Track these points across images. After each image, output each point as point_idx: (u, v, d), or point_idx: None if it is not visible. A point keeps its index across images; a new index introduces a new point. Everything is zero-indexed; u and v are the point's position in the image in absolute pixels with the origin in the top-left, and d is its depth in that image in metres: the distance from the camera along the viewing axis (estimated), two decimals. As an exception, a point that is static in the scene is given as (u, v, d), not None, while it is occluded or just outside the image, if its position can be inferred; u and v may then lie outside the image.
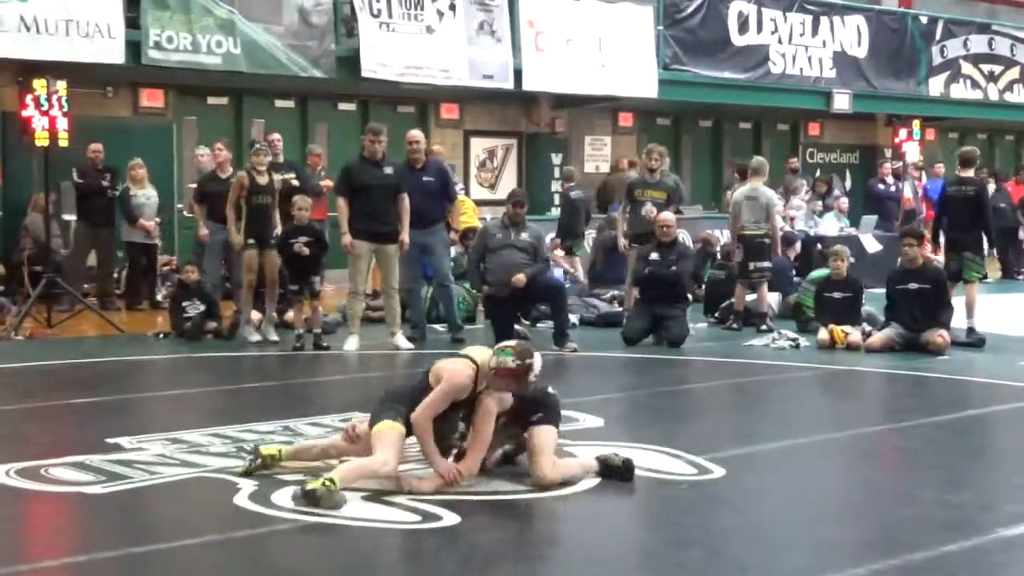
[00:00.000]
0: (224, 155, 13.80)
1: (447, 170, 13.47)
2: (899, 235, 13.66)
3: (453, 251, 15.03)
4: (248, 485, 6.33)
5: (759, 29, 20.94)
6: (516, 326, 12.67)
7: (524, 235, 12.34)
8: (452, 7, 17.81)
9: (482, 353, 6.56)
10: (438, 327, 13.11)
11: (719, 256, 15.98)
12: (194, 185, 15.21)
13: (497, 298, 12.35)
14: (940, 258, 13.86)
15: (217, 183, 13.41)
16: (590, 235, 17.81)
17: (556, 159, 21.38)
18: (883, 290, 12.78)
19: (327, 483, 5.88)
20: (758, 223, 13.74)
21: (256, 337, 12.33)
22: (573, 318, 13.52)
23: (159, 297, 15.67)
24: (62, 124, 13.45)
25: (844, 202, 20.76)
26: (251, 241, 12.40)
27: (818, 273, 13.94)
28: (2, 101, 16.55)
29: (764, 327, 13.31)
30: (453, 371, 6.40)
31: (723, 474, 6.76)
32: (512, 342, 6.81)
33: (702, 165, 23.63)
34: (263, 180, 12.43)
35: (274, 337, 12.39)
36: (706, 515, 6.05)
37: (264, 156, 12.61)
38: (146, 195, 15.59)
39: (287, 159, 15.45)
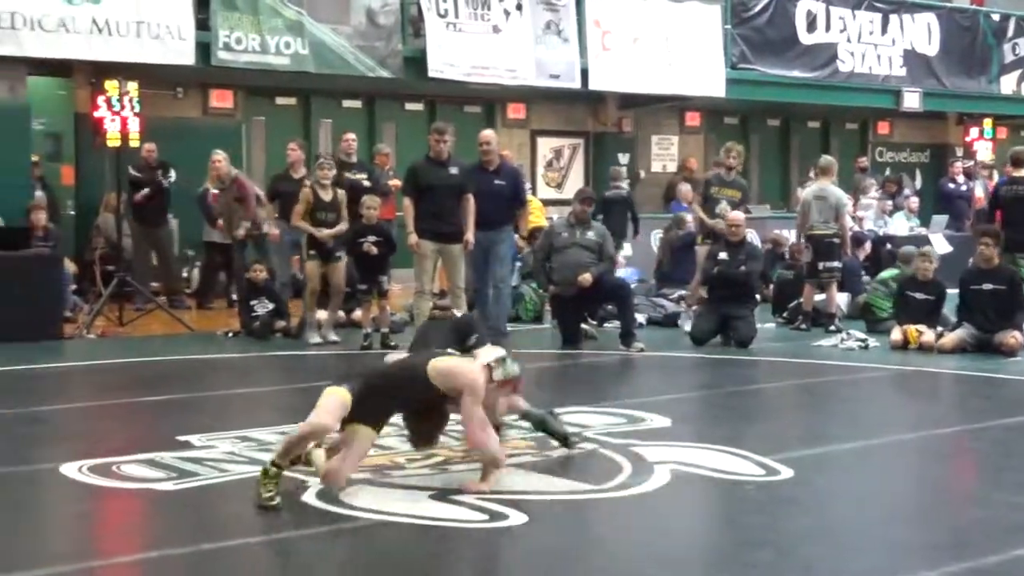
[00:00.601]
0: (297, 155, 13.84)
1: (519, 174, 13.41)
2: (976, 234, 13.50)
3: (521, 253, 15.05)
4: (317, 483, 6.34)
5: (827, 27, 20.77)
6: (583, 325, 12.66)
7: (590, 234, 12.31)
8: (519, 7, 17.80)
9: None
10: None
11: (787, 256, 15.86)
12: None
13: (563, 298, 12.34)
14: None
15: (289, 182, 13.45)
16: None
17: (623, 159, 21.30)
18: (953, 290, 12.64)
19: (268, 468, 6.01)
20: (827, 223, 13.63)
21: (316, 339, 12.38)
22: (640, 318, 13.47)
23: (234, 296, 15.77)
24: (133, 125, 13.59)
25: (914, 202, 20.60)
26: (312, 252, 12.43)
27: (888, 273, 13.83)
28: (75, 102, 16.77)
29: (833, 327, 13.21)
30: (475, 379, 6.30)
31: (791, 475, 6.70)
32: (501, 352, 6.65)
33: (770, 165, 23.47)
34: (327, 196, 12.42)
35: (334, 338, 12.42)
36: (774, 516, 6.00)
37: (329, 170, 12.59)
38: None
39: (359, 159, 15.51)
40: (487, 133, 13.01)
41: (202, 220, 16.01)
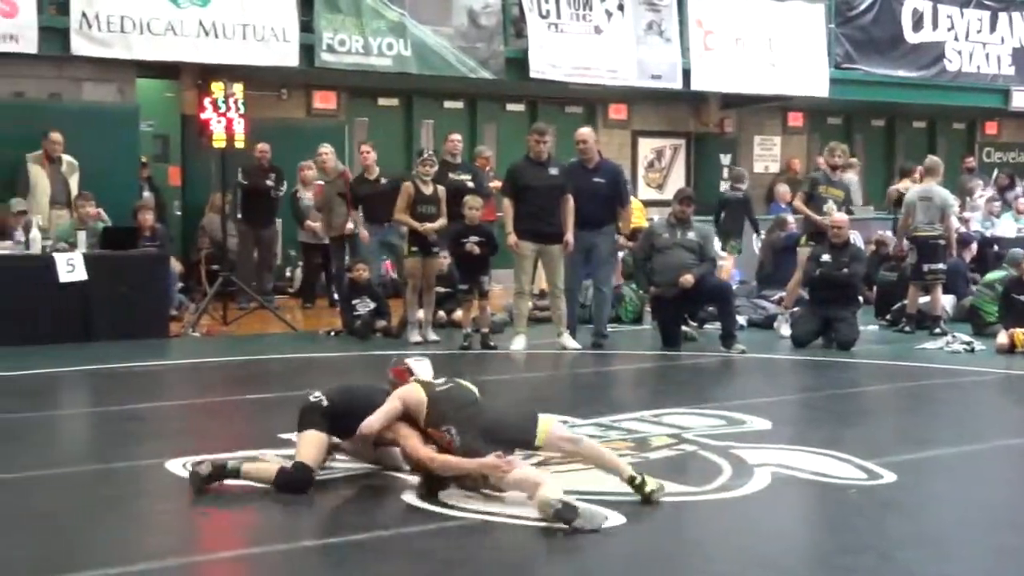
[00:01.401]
0: (371, 156, 13.88)
1: (620, 173, 13.26)
2: None
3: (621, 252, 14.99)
4: (414, 483, 6.35)
5: (934, 26, 20.49)
6: (683, 327, 12.59)
7: (691, 234, 12.22)
8: (620, 7, 17.76)
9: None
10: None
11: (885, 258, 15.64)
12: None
13: (664, 299, 12.27)
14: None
15: (367, 185, 13.54)
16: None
17: (724, 159, 21.22)
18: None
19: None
20: (932, 224, 13.43)
21: (417, 338, 12.42)
22: (741, 319, 13.37)
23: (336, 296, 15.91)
24: (238, 126, 13.74)
25: (1023, 203, 20.22)
26: (414, 249, 12.46)
27: (994, 275, 13.60)
28: (182, 104, 17.02)
29: (938, 330, 13.02)
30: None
31: (894, 479, 6.60)
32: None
33: (874, 165, 23.16)
34: (428, 190, 12.44)
35: (434, 337, 12.46)
36: (876, 521, 5.91)
37: (431, 167, 12.61)
38: (311, 196, 15.79)
39: (463, 160, 15.53)
40: (583, 131, 12.92)
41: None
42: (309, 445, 6.40)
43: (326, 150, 14.96)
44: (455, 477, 6.22)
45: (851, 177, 18.52)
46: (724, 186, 20.76)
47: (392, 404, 6.32)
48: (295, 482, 6.23)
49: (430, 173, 12.54)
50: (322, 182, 15.21)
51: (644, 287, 13.27)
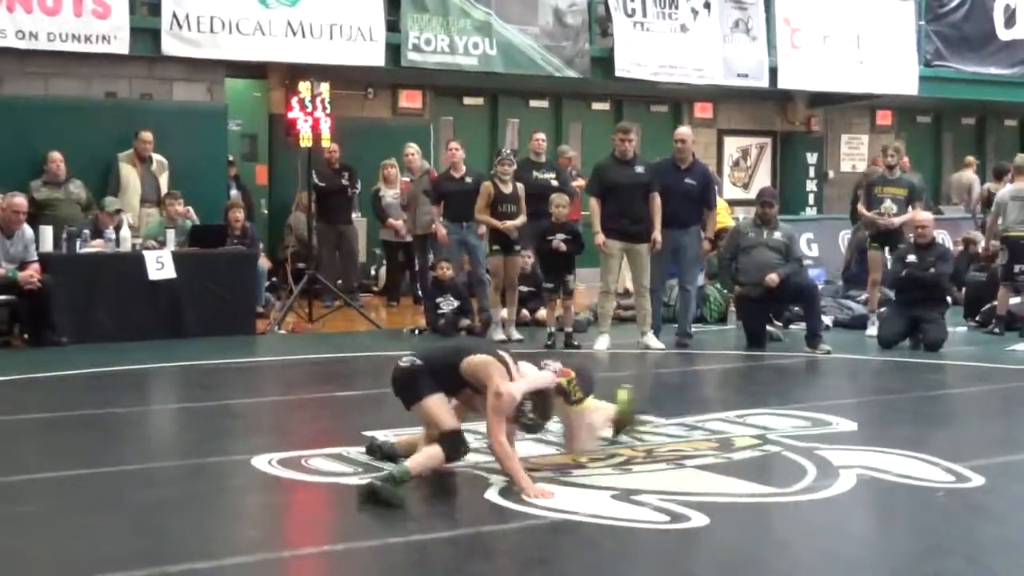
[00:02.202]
0: (459, 154, 13.93)
1: (711, 176, 13.21)
2: None
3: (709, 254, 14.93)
4: (499, 481, 6.39)
5: (1028, 22, 20.22)
6: (768, 327, 12.52)
7: (777, 234, 12.16)
8: (707, 5, 17.69)
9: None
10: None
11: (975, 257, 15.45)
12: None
13: (749, 298, 12.23)
14: None
15: (452, 182, 13.58)
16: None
17: (811, 158, 21.09)
18: None
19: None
20: (1023, 223, 13.26)
21: (500, 336, 12.46)
22: (826, 319, 13.28)
23: (420, 294, 16.00)
24: (325, 125, 13.83)
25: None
26: (495, 247, 12.53)
27: None
28: (270, 104, 17.20)
29: (1029, 332, 12.87)
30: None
31: (982, 483, 6.52)
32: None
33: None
34: (507, 189, 12.51)
35: (517, 336, 12.49)
36: (964, 524, 5.85)
37: (509, 166, 12.68)
38: (394, 194, 15.86)
39: (548, 159, 15.56)
40: (683, 130, 12.89)
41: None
42: (442, 410, 6.54)
43: (412, 150, 15.08)
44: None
45: (971, 175, 18.21)
46: (811, 185, 20.71)
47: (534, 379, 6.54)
48: (459, 446, 6.47)
49: (509, 172, 12.61)
50: (408, 179, 15.31)
51: (729, 287, 13.22)
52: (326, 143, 14.29)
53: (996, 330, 13.32)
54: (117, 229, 12.79)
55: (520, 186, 12.73)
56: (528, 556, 5.43)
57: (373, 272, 17.36)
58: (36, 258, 12.10)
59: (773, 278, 11.91)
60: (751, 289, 12.14)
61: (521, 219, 12.47)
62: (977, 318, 14.04)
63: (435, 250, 14.17)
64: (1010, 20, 20.09)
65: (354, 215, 16.38)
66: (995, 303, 13.60)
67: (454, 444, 6.45)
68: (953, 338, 12.45)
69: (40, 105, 13.91)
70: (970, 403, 9.92)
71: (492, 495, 6.17)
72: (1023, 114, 23.11)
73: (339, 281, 15.24)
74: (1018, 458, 7.33)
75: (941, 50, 19.60)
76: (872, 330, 12.96)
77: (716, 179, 13.89)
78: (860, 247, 15.88)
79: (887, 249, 13.03)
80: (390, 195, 15.89)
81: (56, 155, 13.39)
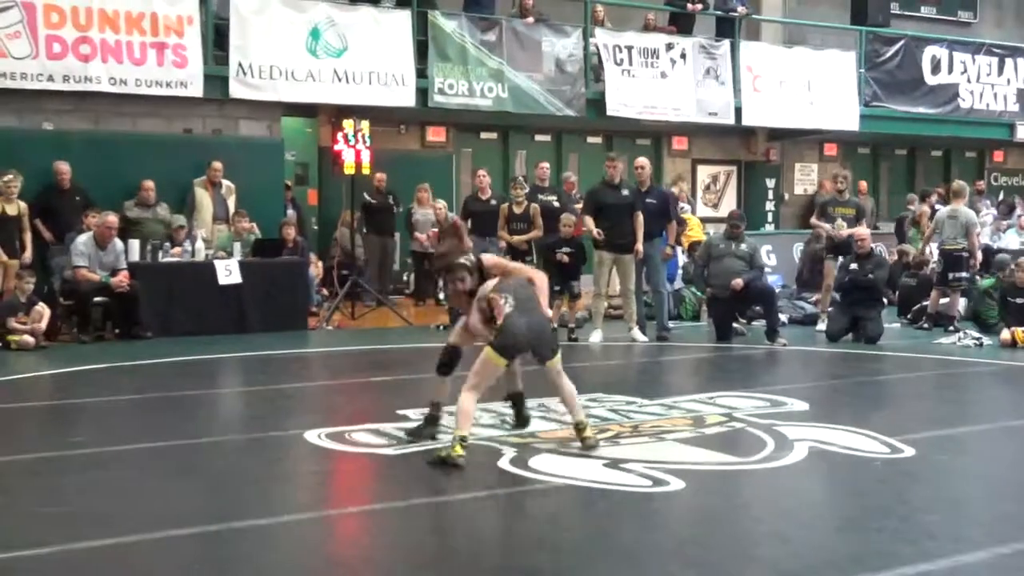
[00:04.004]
0: (486, 180, 14.01)
1: (669, 196, 13.29)
2: None
3: (681, 259, 14.92)
4: (510, 452, 6.38)
5: (950, 70, 20.14)
6: (734, 324, 12.50)
7: (743, 246, 12.23)
8: (683, 56, 17.66)
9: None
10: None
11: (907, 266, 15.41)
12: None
13: (718, 299, 12.25)
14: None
15: (479, 203, 13.68)
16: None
17: (770, 183, 21.07)
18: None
19: (456, 446, 6.00)
20: (956, 239, 13.24)
21: None
22: (783, 317, 13.27)
23: (440, 296, 16.00)
24: (365, 156, 13.90)
25: (1025, 220, 19.87)
26: (509, 257, 12.55)
27: (987, 282, 13.39)
28: (319, 137, 17.20)
29: (951, 328, 12.82)
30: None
31: (913, 453, 6.50)
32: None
33: (898, 189, 22.78)
34: (519, 210, 12.70)
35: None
36: (899, 488, 5.82)
37: (520, 189, 12.81)
38: (424, 213, 15.87)
39: (551, 184, 15.64)
40: (642, 159, 12.96)
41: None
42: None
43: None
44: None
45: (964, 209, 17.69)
46: (769, 205, 20.70)
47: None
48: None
49: (520, 194, 12.74)
50: (436, 230, 15.31)
51: (701, 289, 13.22)
52: (367, 171, 14.30)
53: (925, 326, 13.28)
54: (192, 242, 12.82)
55: (534, 206, 12.83)
56: (534, 515, 5.42)
57: (405, 278, 17.36)
58: (125, 266, 12.14)
59: (738, 283, 11.94)
60: (720, 291, 12.15)
61: (534, 234, 12.61)
62: (908, 316, 14.00)
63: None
64: (936, 68, 20.04)
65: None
66: (924, 303, 13.57)
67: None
68: (889, 333, 12.41)
69: (129, 139, 13.91)
70: (903, 387, 9.87)
71: (504, 463, 6.16)
72: (947, 146, 23.03)
73: (376, 285, 15.26)
74: (943, 432, 7.29)
75: (878, 93, 19.55)
76: (821, 326, 12.94)
77: (674, 199, 13.88)
78: (811, 257, 15.87)
79: (840, 259, 13.01)
80: (420, 213, 15.90)
81: (148, 183, 13.40)
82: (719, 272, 12.16)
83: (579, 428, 6.49)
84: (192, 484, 5.86)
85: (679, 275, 14.81)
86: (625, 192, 12.19)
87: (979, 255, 13.70)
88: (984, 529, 5.10)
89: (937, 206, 16.18)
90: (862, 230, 12.76)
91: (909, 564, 4.51)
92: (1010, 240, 18.55)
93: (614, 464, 6.09)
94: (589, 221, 12.13)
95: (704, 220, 18.12)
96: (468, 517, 5.36)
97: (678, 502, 5.57)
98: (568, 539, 4.96)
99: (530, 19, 16.69)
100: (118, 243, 12.19)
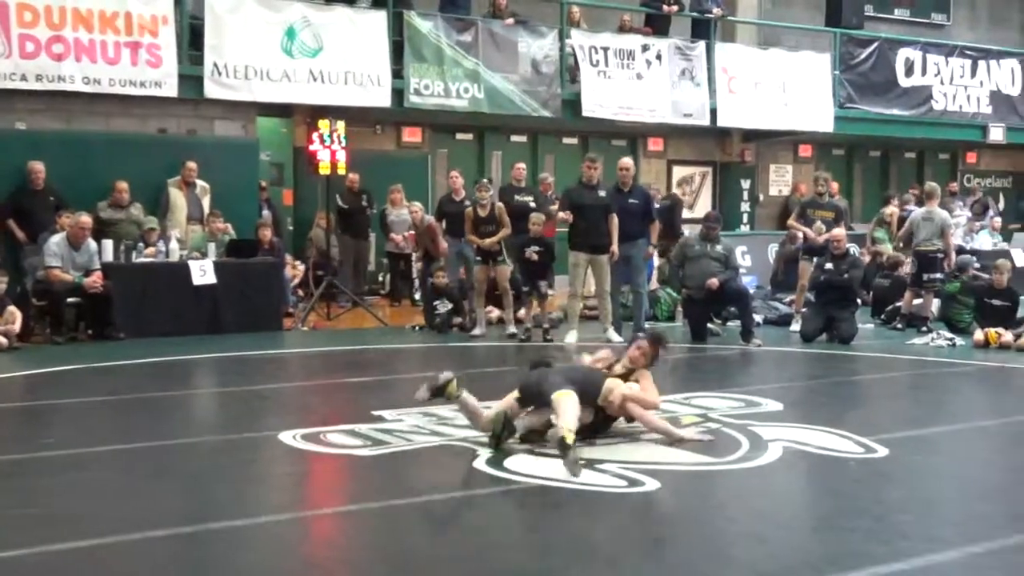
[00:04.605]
0: (459, 181, 14.02)
1: (650, 196, 13.38)
2: None
3: (656, 260, 14.97)
4: (485, 452, 6.39)
5: (923, 72, 20.27)
6: (709, 324, 12.55)
7: (718, 247, 12.27)
8: (658, 57, 17.71)
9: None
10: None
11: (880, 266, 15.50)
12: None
13: (694, 300, 12.29)
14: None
15: (452, 204, 13.68)
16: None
17: (745, 184, 21.14)
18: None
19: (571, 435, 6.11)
20: (931, 240, 13.32)
21: (477, 332, 12.60)
22: (758, 318, 13.32)
23: (417, 298, 16.02)
24: (340, 156, 13.87)
25: (998, 221, 20.08)
26: (479, 259, 12.62)
27: (952, 287, 13.43)
28: (294, 138, 17.16)
29: (925, 328, 12.90)
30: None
31: (887, 453, 6.54)
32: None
33: (871, 190, 22.92)
34: (484, 213, 12.63)
35: (512, 330, 12.51)
36: (872, 488, 5.86)
37: (486, 192, 12.79)
38: (398, 214, 15.84)
39: (527, 184, 15.67)
40: (626, 160, 12.98)
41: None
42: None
43: (417, 207, 14.95)
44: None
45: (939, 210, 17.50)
46: (744, 206, 20.78)
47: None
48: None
49: (485, 197, 12.73)
50: (413, 232, 15.29)
51: (677, 290, 13.26)
52: (342, 171, 14.29)
53: (898, 326, 13.36)
54: (167, 242, 12.78)
55: (500, 206, 12.82)
56: (510, 515, 5.43)
57: (380, 278, 17.34)
58: (99, 267, 12.08)
59: (713, 283, 11.99)
60: (695, 292, 12.19)
61: (503, 233, 12.54)
62: (882, 316, 14.08)
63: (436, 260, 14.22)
64: (909, 70, 20.16)
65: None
66: (898, 304, 13.64)
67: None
68: (862, 333, 12.47)
69: (103, 139, 13.84)
70: (877, 387, 9.94)
71: (480, 464, 6.17)
72: (920, 148, 23.17)
73: (351, 286, 15.22)
74: (917, 433, 7.35)
75: (852, 95, 19.64)
76: (795, 326, 13.00)
77: (654, 199, 13.93)
78: (786, 258, 15.94)
79: (815, 259, 13.06)
80: (394, 214, 15.88)
81: (122, 184, 13.34)
82: (694, 273, 12.21)
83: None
84: (167, 485, 5.84)
85: (654, 275, 14.87)
86: (602, 193, 12.22)
87: (953, 256, 13.79)
88: (957, 529, 5.14)
89: (911, 207, 16.28)
90: (838, 231, 12.81)
91: (883, 564, 4.54)
92: (983, 241, 18.72)
93: (589, 464, 6.10)
94: (564, 213, 12.15)
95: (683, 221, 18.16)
96: (444, 518, 5.36)
97: (653, 502, 5.58)
98: (543, 540, 4.97)
99: (510, 20, 16.69)
100: (91, 243, 12.13)
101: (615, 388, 6.71)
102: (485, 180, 13.42)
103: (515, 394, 6.73)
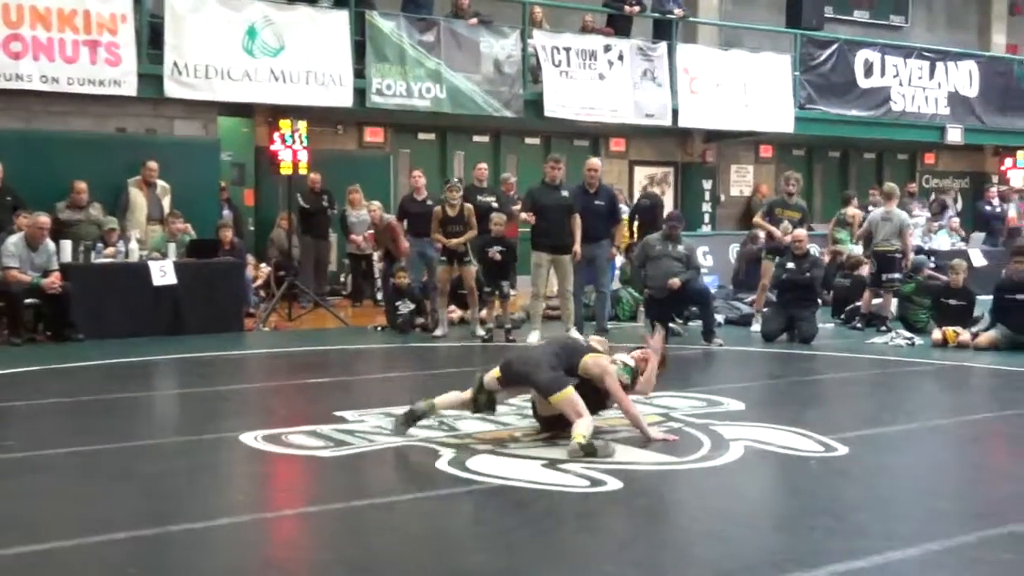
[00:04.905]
0: (421, 180, 13.92)
1: (615, 195, 13.40)
2: (1011, 252, 13.18)
3: (619, 261, 15.01)
4: (448, 453, 6.39)
5: (882, 73, 20.42)
6: (671, 324, 12.58)
7: (680, 247, 12.31)
8: (620, 57, 17.74)
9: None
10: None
11: (841, 266, 15.61)
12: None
13: (656, 299, 12.33)
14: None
15: (415, 204, 13.60)
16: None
17: (707, 185, 21.23)
18: (988, 297, 12.39)
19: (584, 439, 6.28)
20: (889, 240, 13.44)
21: (439, 332, 12.56)
22: (719, 318, 13.39)
23: (379, 297, 15.99)
24: (302, 156, 13.84)
25: (956, 221, 20.26)
26: (443, 259, 12.59)
27: (908, 288, 13.56)
28: (256, 138, 17.07)
29: (884, 328, 13.01)
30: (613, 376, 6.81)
31: (847, 452, 6.60)
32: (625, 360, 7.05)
33: (831, 190, 23.05)
34: (453, 212, 12.54)
35: (480, 332, 12.50)
36: (832, 487, 5.91)
37: (456, 192, 12.72)
38: (358, 215, 15.75)
39: (489, 185, 15.66)
40: (595, 161, 13.02)
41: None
42: None
43: (375, 206, 14.60)
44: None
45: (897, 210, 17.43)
46: (706, 207, 20.87)
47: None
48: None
49: (456, 198, 12.64)
50: (372, 232, 15.13)
51: (639, 290, 13.30)
52: (304, 171, 14.24)
53: (858, 326, 13.46)
54: (126, 243, 12.68)
55: (469, 206, 12.77)
56: (472, 516, 5.43)
57: (342, 279, 17.29)
58: (57, 267, 11.96)
59: (675, 283, 12.04)
60: (657, 292, 12.23)
61: (469, 234, 12.50)
62: (842, 316, 14.18)
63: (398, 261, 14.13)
64: (868, 72, 20.30)
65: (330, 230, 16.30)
66: (858, 304, 13.74)
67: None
68: (823, 333, 12.56)
69: (61, 139, 13.72)
70: (837, 386, 10.01)
71: (442, 464, 6.17)
72: (879, 148, 23.35)
73: (312, 286, 15.17)
74: (876, 431, 7.41)
75: (812, 95, 19.76)
76: (756, 326, 13.07)
77: (619, 200, 13.95)
78: (748, 258, 16.03)
79: (777, 259, 13.13)
80: (355, 215, 15.80)
81: (81, 185, 13.22)
82: (656, 273, 12.25)
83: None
84: (127, 488, 5.80)
85: (617, 276, 14.91)
86: (564, 193, 12.24)
87: (911, 255, 13.91)
88: (915, 526, 5.19)
89: (871, 208, 16.39)
90: (800, 231, 12.90)
91: (842, 561, 4.58)
92: (941, 241, 18.88)
93: (552, 464, 6.12)
94: (526, 214, 12.16)
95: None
96: (406, 519, 5.35)
97: (616, 502, 5.59)
98: (506, 540, 4.97)
99: (474, 20, 16.67)
100: (50, 244, 12.01)
101: (599, 360, 6.82)
102: (456, 180, 13.39)
103: (496, 372, 6.78)
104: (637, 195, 19.18)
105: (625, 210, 16.74)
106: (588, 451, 6.18)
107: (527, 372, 6.66)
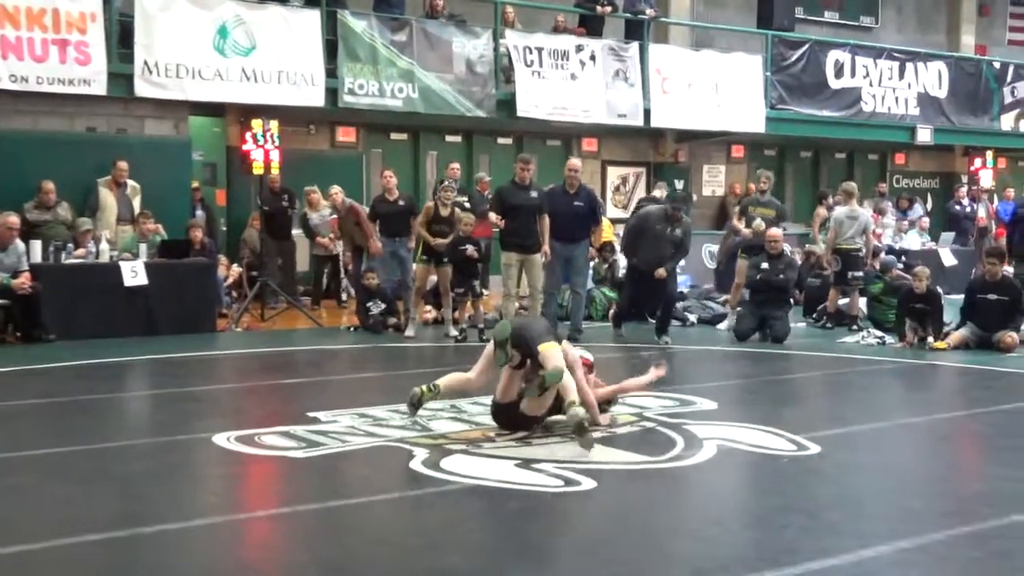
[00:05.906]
0: (392, 180, 13.87)
1: (596, 198, 13.40)
2: (984, 253, 13.29)
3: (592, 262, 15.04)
4: (421, 453, 6.39)
5: (853, 74, 20.55)
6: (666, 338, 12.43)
7: (678, 231, 12.11)
8: (592, 58, 17.78)
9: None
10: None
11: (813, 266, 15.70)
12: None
13: (639, 270, 12.23)
14: (1010, 269, 13.45)
15: (386, 204, 13.55)
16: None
17: (679, 185, 21.27)
18: (958, 296, 12.49)
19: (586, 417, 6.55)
20: (854, 239, 13.54)
21: (410, 332, 12.60)
22: (692, 317, 13.45)
23: (344, 298, 15.97)
24: (274, 156, 13.82)
25: (926, 221, 20.43)
26: (424, 257, 12.58)
27: (876, 287, 13.67)
28: (227, 137, 17.00)
29: (855, 327, 13.09)
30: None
31: (819, 451, 6.64)
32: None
33: (802, 190, 23.21)
34: (445, 212, 12.58)
35: (453, 333, 12.51)
36: (804, 485, 5.95)
37: (452, 193, 12.77)
38: (320, 216, 15.66)
39: (461, 185, 15.66)
40: (574, 162, 12.99)
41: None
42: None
43: (336, 190, 14.57)
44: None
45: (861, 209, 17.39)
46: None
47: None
48: None
49: (450, 199, 12.71)
50: (335, 216, 15.07)
51: (615, 288, 13.26)
52: (275, 171, 14.19)
53: (828, 325, 13.54)
54: (97, 243, 12.62)
55: (459, 213, 12.81)
56: (446, 516, 5.43)
57: (312, 282, 17.19)
58: (27, 268, 11.89)
59: (661, 272, 11.93)
60: (643, 264, 12.10)
61: (452, 238, 12.54)
62: (814, 316, 14.26)
63: (369, 261, 14.09)
64: (839, 72, 20.42)
65: (293, 231, 16.16)
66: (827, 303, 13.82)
67: None
68: (795, 332, 12.63)
69: (30, 138, 13.65)
70: (809, 385, 10.08)
71: (416, 464, 6.17)
72: (850, 149, 23.48)
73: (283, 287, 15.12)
74: (847, 430, 7.46)
75: (784, 96, 19.86)
76: (724, 324, 13.13)
77: (599, 200, 13.98)
78: (729, 251, 16.04)
79: (751, 258, 13.17)
80: (316, 217, 15.67)
81: (49, 185, 13.15)
82: (647, 254, 12.02)
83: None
84: (99, 489, 5.78)
85: (590, 276, 14.91)
86: (533, 194, 12.24)
87: (882, 255, 14.02)
88: (887, 524, 5.23)
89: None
90: (774, 230, 12.95)
91: (815, 560, 4.61)
92: (911, 240, 19.02)
93: (525, 464, 6.13)
94: (494, 216, 12.17)
95: (614, 221, 18.25)
96: (380, 519, 5.35)
97: (590, 502, 5.61)
98: (480, 540, 4.99)
99: (447, 19, 16.66)
100: (19, 244, 11.94)
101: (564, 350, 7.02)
102: (451, 183, 13.47)
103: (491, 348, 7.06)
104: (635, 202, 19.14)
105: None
106: (582, 427, 6.42)
107: (529, 335, 6.91)
